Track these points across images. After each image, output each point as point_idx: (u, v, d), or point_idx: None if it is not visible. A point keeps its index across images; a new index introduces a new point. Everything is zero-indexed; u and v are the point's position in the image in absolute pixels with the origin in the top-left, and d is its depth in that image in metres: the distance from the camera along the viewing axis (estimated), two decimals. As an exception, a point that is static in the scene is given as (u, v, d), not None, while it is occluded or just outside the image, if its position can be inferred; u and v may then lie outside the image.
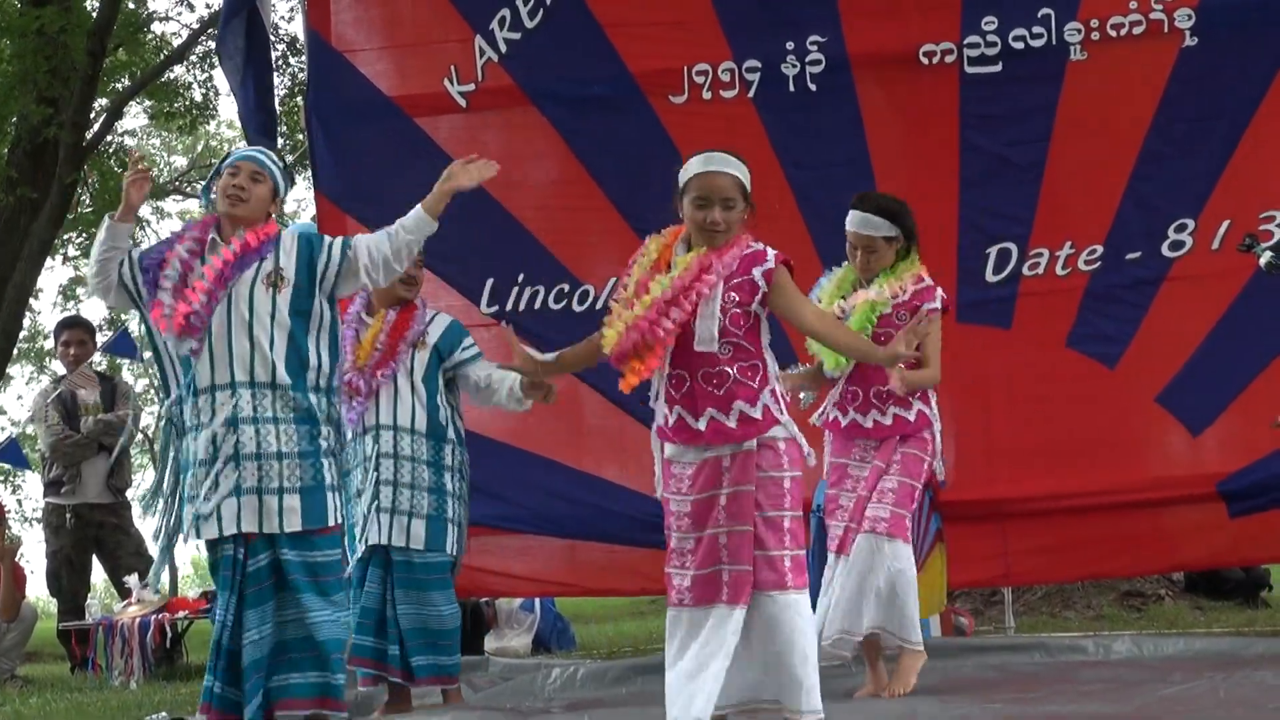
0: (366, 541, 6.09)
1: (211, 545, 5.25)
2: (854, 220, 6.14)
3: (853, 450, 6.14)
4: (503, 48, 8.14)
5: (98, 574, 10.61)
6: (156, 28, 17.86)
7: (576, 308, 7.91)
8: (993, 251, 7.73)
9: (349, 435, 6.06)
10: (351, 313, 6.32)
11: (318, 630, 5.15)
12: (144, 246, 5.55)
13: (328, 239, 5.33)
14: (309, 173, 9.20)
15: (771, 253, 4.92)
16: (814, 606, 6.74)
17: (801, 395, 6.27)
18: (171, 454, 5.36)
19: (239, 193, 5.28)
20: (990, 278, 7.69)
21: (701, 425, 4.79)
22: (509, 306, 7.99)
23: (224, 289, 5.16)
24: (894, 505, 6.01)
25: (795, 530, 4.80)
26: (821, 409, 6.29)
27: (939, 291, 6.12)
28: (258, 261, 5.21)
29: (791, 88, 7.88)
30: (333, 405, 5.31)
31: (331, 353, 5.32)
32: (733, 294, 4.84)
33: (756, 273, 4.86)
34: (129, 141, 21.06)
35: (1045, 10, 7.67)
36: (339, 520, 5.28)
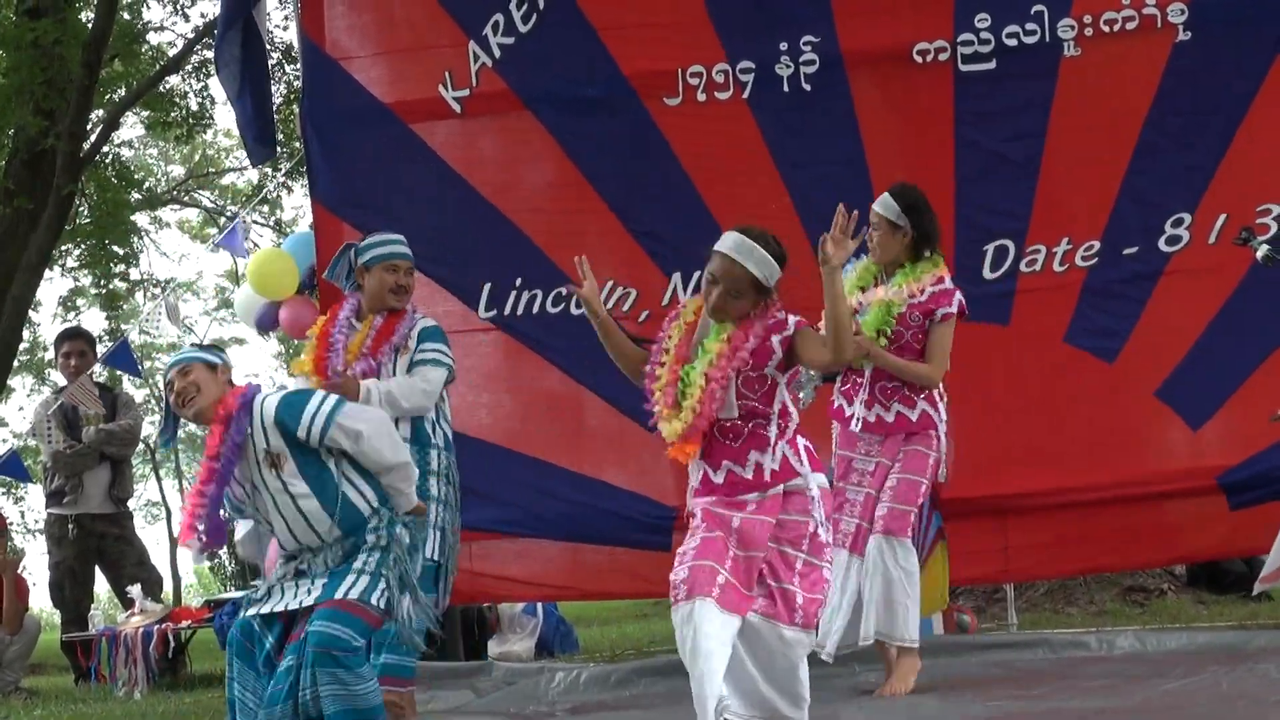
0: None
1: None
2: (878, 200, 6.26)
3: (857, 444, 6.18)
4: (497, 53, 8.14)
5: (101, 585, 10.60)
6: (152, 38, 17.87)
7: (574, 310, 7.89)
8: (990, 248, 7.73)
9: None
10: (341, 318, 6.34)
11: (337, 702, 5.11)
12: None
13: (305, 412, 5.11)
14: (305, 180, 9.19)
15: (791, 320, 4.92)
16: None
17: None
18: None
19: (183, 396, 5.22)
20: (988, 275, 7.70)
21: (719, 479, 4.84)
22: (507, 311, 7.99)
23: (223, 484, 5.17)
24: (893, 501, 6.04)
25: (806, 574, 4.81)
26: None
27: (957, 296, 6.17)
28: (245, 441, 5.17)
29: (786, 88, 7.88)
30: (389, 513, 5.21)
31: (362, 474, 5.26)
32: (747, 359, 4.89)
33: (774, 340, 4.89)
34: (126, 152, 21.08)
35: (1039, 7, 7.67)
36: (364, 600, 5.08)
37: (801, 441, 4.92)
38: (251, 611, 5.18)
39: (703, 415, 4.80)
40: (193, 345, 5.56)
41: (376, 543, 5.08)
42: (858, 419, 6.17)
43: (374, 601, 5.01)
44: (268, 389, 5.28)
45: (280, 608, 5.12)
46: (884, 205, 6.21)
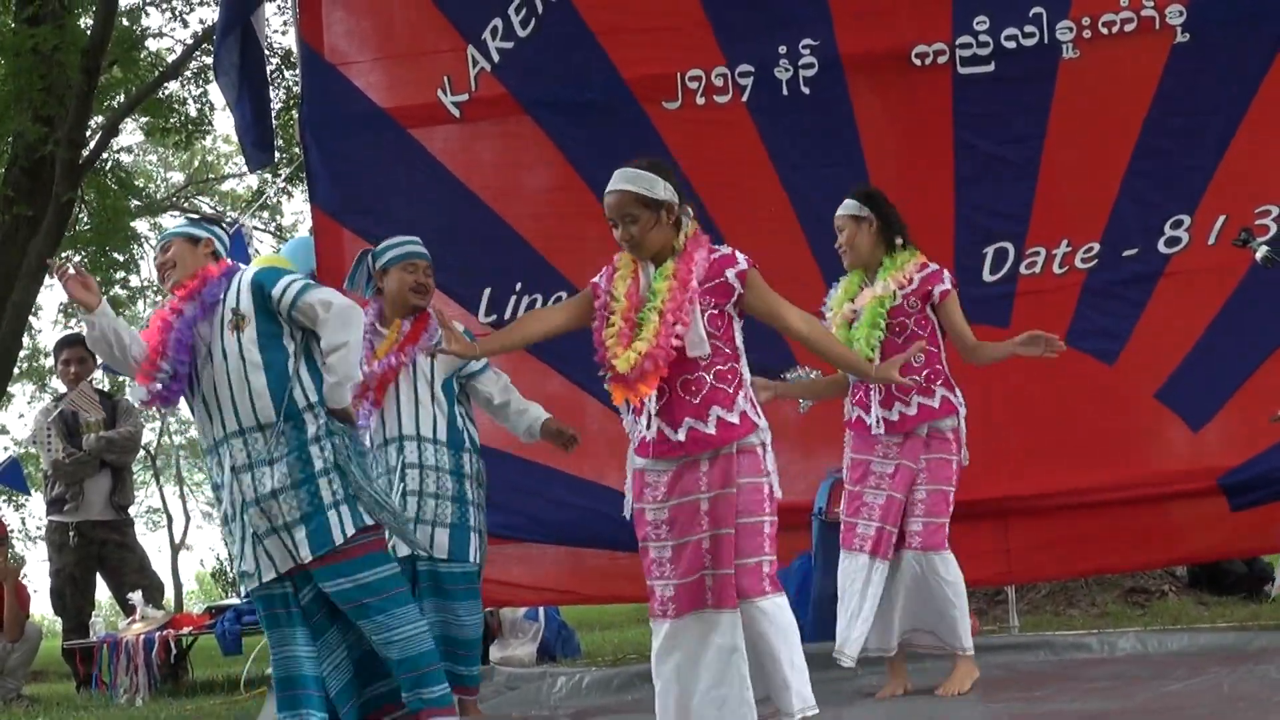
0: (395, 553, 6.06)
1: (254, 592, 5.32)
2: (837, 211, 6.26)
3: (875, 447, 6.12)
4: (495, 57, 8.14)
5: (102, 592, 10.60)
6: (151, 44, 17.89)
7: (574, 315, 7.90)
8: (989, 251, 7.74)
9: (366, 440, 6.11)
10: (365, 323, 6.33)
11: (401, 649, 5.19)
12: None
13: (284, 279, 5.24)
14: (305, 185, 9.19)
15: (741, 255, 4.98)
16: (812, 609, 6.75)
17: (801, 402, 6.27)
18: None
19: (161, 270, 5.33)
20: (988, 277, 7.70)
21: (681, 436, 4.81)
22: (507, 315, 7.99)
23: (183, 347, 5.18)
24: (926, 516, 6.02)
25: (773, 535, 4.82)
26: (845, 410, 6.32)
27: (946, 273, 6.15)
28: (217, 305, 5.20)
29: (785, 91, 7.89)
30: (326, 419, 5.25)
31: (313, 371, 5.30)
32: (708, 297, 4.89)
33: (730, 274, 4.93)
34: (125, 158, 21.08)
35: (1037, 9, 7.68)
36: (356, 529, 5.19)
37: (746, 391, 4.90)
38: (253, 586, 5.21)
39: (660, 348, 4.77)
40: (185, 219, 5.57)
41: (326, 460, 5.09)
42: (879, 420, 6.13)
43: (364, 524, 5.08)
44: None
45: (273, 574, 5.15)
46: (844, 207, 6.22)
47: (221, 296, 5.22)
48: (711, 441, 4.79)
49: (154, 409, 5.45)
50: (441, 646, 6.06)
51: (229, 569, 20.53)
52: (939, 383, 6.09)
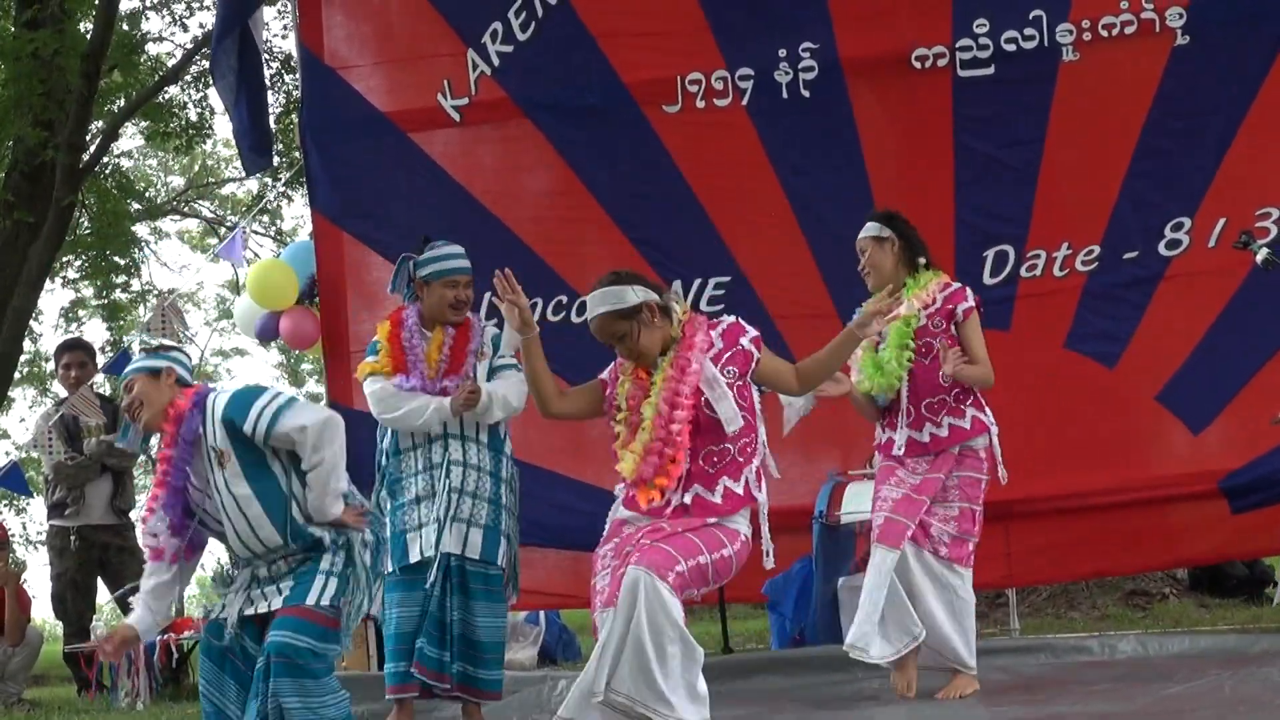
0: (440, 549, 6.08)
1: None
2: (860, 234, 6.23)
3: (906, 463, 6.09)
4: (495, 61, 8.15)
5: (103, 596, 10.59)
6: (151, 49, 17.85)
7: (575, 319, 7.90)
8: (990, 254, 7.74)
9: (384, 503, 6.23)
10: (411, 325, 6.31)
11: (294, 715, 5.08)
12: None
13: (252, 409, 5.08)
14: (305, 190, 9.19)
15: (747, 325, 5.10)
16: (813, 612, 6.75)
17: (801, 401, 6.26)
18: None
19: (128, 411, 5.26)
20: (988, 280, 7.70)
21: (687, 500, 4.92)
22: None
23: (177, 490, 5.17)
24: (957, 532, 6.01)
25: (704, 570, 4.81)
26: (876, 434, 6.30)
27: (969, 291, 6.14)
28: (199, 441, 5.16)
29: (785, 94, 7.89)
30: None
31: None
32: (729, 367, 4.99)
33: (745, 342, 5.05)
34: (125, 163, 21.08)
35: (1037, 12, 7.69)
36: (329, 606, 5.07)
37: (756, 463, 4.99)
38: (223, 615, 5.20)
39: (659, 440, 4.89)
40: (141, 350, 5.53)
41: (339, 546, 5.09)
42: (904, 443, 6.10)
43: (339, 605, 5.03)
44: (221, 387, 5.30)
45: (251, 610, 5.13)
46: (865, 230, 6.20)
47: (201, 430, 5.15)
48: (715, 511, 4.91)
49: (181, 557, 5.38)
50: (460, 646, 6.08)
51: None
52: (969, 402, 6.08)
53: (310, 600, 4.98)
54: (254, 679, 5.03)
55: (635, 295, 5.02)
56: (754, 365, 5.01)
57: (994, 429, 6.14)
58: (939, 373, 6.01)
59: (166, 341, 6.07)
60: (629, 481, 5.00)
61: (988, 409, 6.15)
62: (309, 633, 4.95)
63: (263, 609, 5.10)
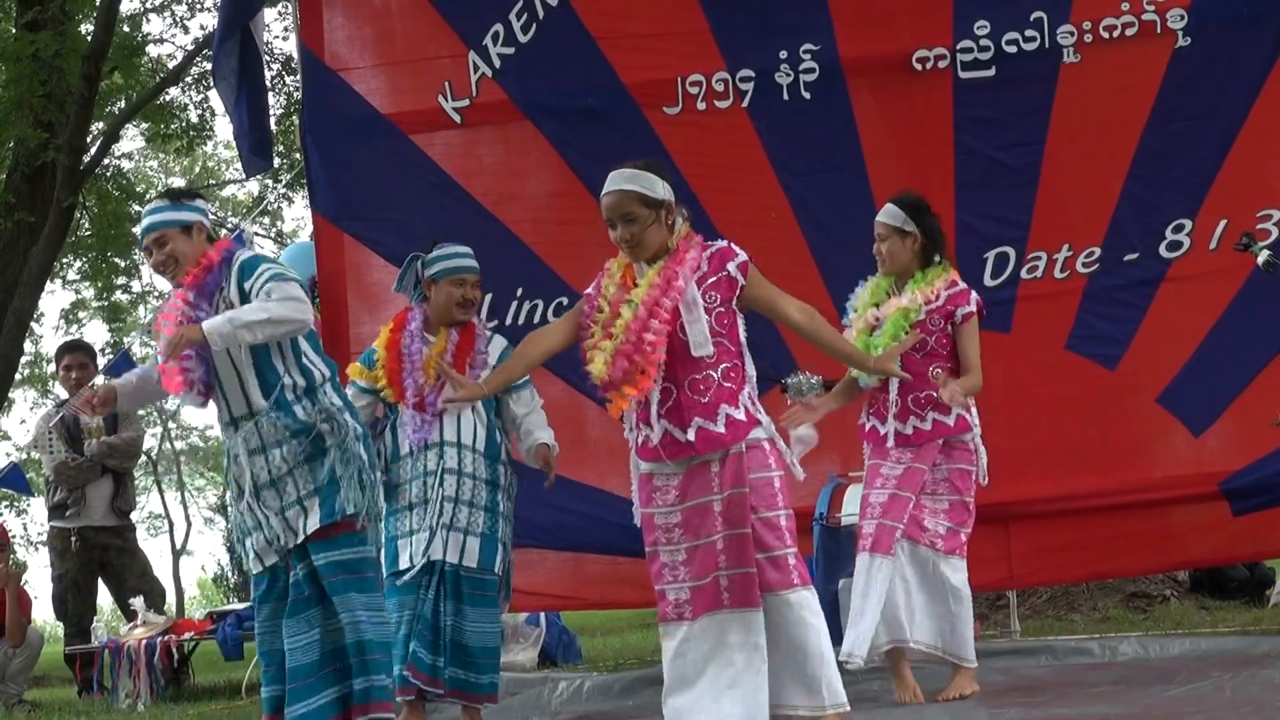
0: (429, 556, 6.08)
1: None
2: (880, 212, 6.22)
3: (890, 454, 6.10)
4: (496, 63, 8.14)
5: (104, 597, 10.60)
6: (152, 50, 17.88)
7: (576, 320, 7.90)
8: (990, 255, 7.73)
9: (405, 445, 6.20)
10: (412, 329, 6.32)
11: (359, 631, 5.23)
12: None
13: (260, 270, 5.21)
14: (306, 191, 9.19)
15: (737, 247, 5.00)
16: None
17: (792, 387, 6.27)
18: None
19: (163, 269, 5.29)
20: (988, 282, 7.69)
21: (691, 436, 4.83)
22: (508, 321, 7.98)
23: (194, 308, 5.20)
24: (950, 523, 6.01)
25: (791, 529, 4.82)
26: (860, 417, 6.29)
27: (973, 295, 6.14)
28: (217, 292, 5.21)
29: (785, 96, 7.89)
30: (326, 403, 5.30)
31: (308, 355, 5.33)
32: (712, 293, 4.92)
33: (731, 268, 4.96)
34: (126, 164, 21.08)
35: (1038, 13, 7.68)
36: (355, 513, 5.26)
37: (749, 389, 4.93)
38: (269, 562, 5.22)
39: (630, 344, 4.81)
40: (162, 198, 5.46)
41: (336, 446, 5.13)
42: (891, 435, 6.11)
43: (361, 512, 5.19)
44: (250, 249, 5.35)
45: (293, 541, 5.17)
46: (889, 214, 6.17)
47: (224, 283, 5.22)
48: (722, 440, 4.81)
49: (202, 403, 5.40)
50: (453, 652, 6.08)
51: (230, 574, 20.49)
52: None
53: (338, 514, 5.13)
54: (301, 609, 5.12)
55: (663, 191, 4.97)
56: (738, 292, 4.93)
57: (977, 428, 6.13)
58: (930, 368, 6.00)
59: (186, 186, 6.08)
60: (601, 388, 4.92)
61: (974, 408, 6.14)
62: (351, 544, 5.09)
63: (301, 534, 5.19)
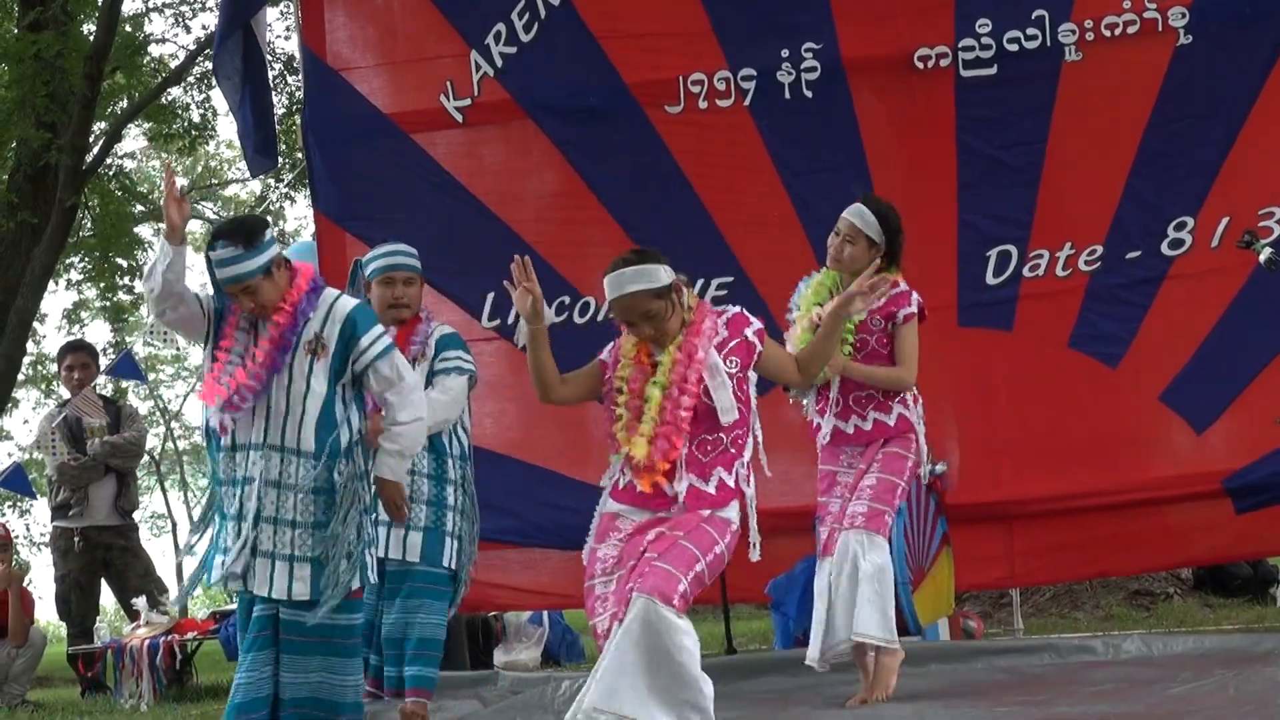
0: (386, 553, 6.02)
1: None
2: (851, 210, 6.14)
3: (840, 457, 6.09)
4: (499, 62, 8.15)
5: (107, 597, 10.60)
6: (154, 50, 17.87)
7: (578, 319, 7.91)
8: (993, 254, 7.73)
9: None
10: None
11: (333, 693, 5.15)
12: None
13: (376, 330, 5.20)
14: (308, 191, 9.20)
15: (750, 315, 5.07)
16: (811, 613, 6.71)
17: (805, 401, 6.24)
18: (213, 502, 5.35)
19: (251, 300, 5.15)
20: (991, 280, 7.69)
21: (680, 489, 4.88)
22: (510, 319, 7.97)
23: (276, 368, 5.13)
24: (871, 500, 5.93)
25: (699, 575, 4.77)
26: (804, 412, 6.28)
27: (915, 296, 6.07)
28: (300, 326, 5.16)
29: (787, 95, 7.89)
30: (354, 469, 5.18)
31: (355, 407, 5.25)
32: (733, 358, 4.98)
33: (749, 334, 5.02)
34: (129, 164, 21.08)
35: (1039, 11, 7.67)
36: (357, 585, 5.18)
37: (748, 456, 4.98)
38: (238, 589, 5.16)
39: (668, 424, 4.86)
40: (236, 240, 5.12)
41: (346, 509, 5.07)
42: (828, 433, 6.11)
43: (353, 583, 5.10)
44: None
45: (264, 591, 5.11)
46: (864, 221, 6.07)
47: (310, 315, 5.18)
48: (706, 502, 4.88)
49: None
50: (398, 649, 6.04)
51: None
52: (896, 399, 6.06)
53: (321, 593, 5.06)
54: (261, 642, 5.08)
55: (666, 274, 4.98)
56: (756, 358, 5.00)
57: (920, 428, 6.10)
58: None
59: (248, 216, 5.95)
60: (634, 466, 4.93)
61: (917, 408, 6.10)
62: (341, 609, 5.08)
63: (281, 594, 5.09)
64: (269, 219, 5.30)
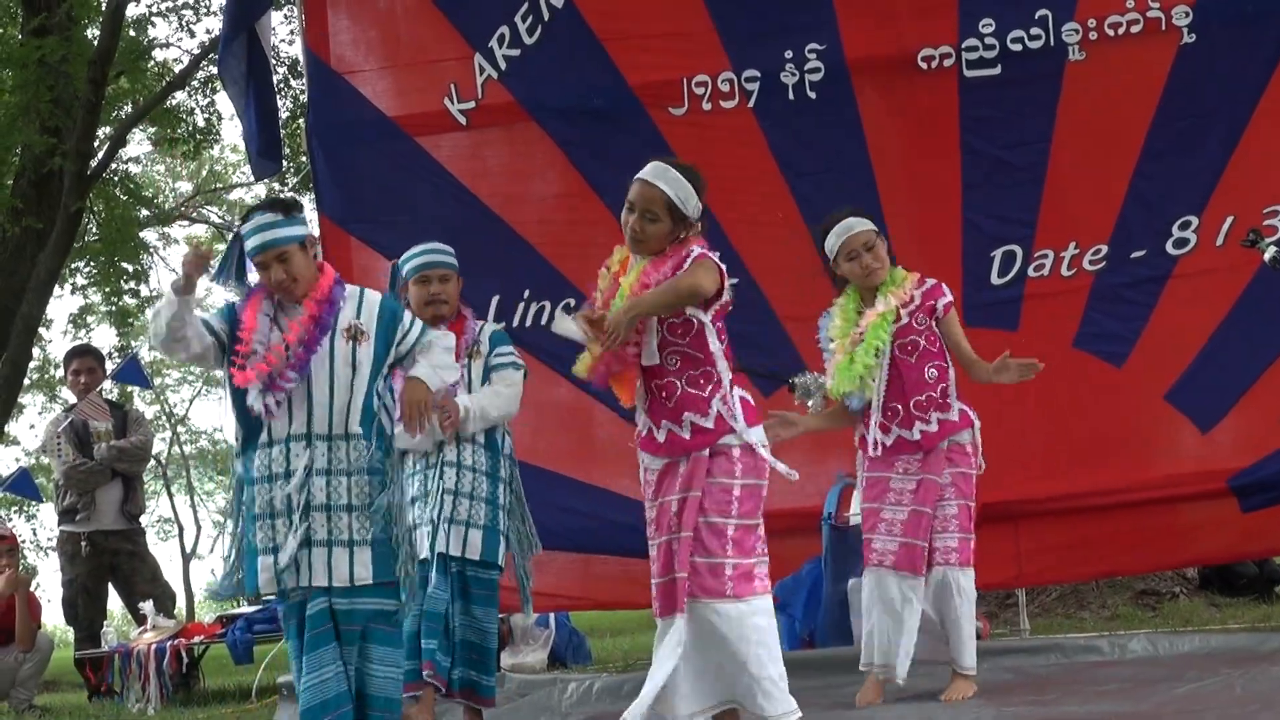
0: (434, 549, 6.03)
1: (283, 593, 5.15)
2: (841, 229, 6.10)
3: (895, 464, 6.02)
4: (502, 65, 8.15)
5: (114, 601, 10.61)
6: (158, 54, 17.89)
7: (583, 321, 7.91)
8: (997, 254, 7.73)
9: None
10: None
11: (369, 684, 5.09)
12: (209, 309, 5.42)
13: (408, 316, 5.27)
14: (312, 194, 9.20)
15: (696, 247, 4.97)
16: (823, 614, 6.74)
17: (810, 404, 6.23)
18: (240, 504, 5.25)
19: (281, 287, 5.11)
20: (995, 280, 7.70)
21: (660, 436, 4.89)
22: (515, 322, 7.99)
23: (314, 350, 5.10)
24: (960, 532, 5.99)
25: (740, 539, 4.79)
26: (858, 432, 6.22)
27: (944, 286, 6.11)
28: (334, 314, 5.15)
29: (791, 96, 7.89)
30: (393, 449, 5.20)
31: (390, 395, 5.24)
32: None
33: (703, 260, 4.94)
34: (133, 168, 21.09)
35: (1043, 11, 7.68)
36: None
37: (738, 393, 4.91)
38: (293, 586, 5.09)
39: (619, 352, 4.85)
40: (274, 209, 5.19)
41: (382, 505, 5.05)
42: (889, 442, 6.05)
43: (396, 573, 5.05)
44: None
45: (321, 581, 5.05)
46: (863, 223, 6.09)
47: (342, 303, 5.19)
48: (686, 445, 4.85)
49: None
50: (463, 651, 6.05)
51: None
52: (951, 396, 6.06)
53: (392, 573, 5.06)
54: (319, 640, 5.04)
55: (693, 210, 5.02)
56: (724, 281, 4.94)
57: (978, 421, 6.13)
58: (924, 369, 5.98)
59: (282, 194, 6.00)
60: (593, 383, 5.00)
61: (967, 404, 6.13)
62: (385, 595, 5.06)
63: (348, 581, 5.04)
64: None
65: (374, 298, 5.23)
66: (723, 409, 4.85)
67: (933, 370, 5.98)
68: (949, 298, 6.07)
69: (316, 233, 8.42)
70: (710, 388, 4.86)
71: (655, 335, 4.88)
